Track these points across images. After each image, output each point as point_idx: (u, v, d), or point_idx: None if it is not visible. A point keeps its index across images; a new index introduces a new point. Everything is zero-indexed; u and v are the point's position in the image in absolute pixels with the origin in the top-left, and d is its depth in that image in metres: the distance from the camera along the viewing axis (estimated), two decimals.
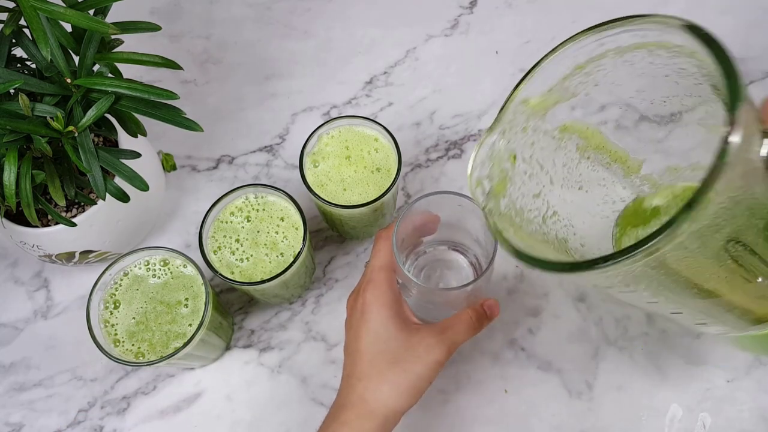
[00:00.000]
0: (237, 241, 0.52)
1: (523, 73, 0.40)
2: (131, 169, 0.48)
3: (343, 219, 0.56)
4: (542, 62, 0.39)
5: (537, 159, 0.42)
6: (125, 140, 0.55)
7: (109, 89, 0.44)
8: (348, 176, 0.54)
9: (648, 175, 0.46)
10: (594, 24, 0.40)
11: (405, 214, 0.47)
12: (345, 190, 0.54)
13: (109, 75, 0.46)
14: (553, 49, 0.38)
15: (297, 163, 0.66)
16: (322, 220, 0.63)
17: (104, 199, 0.48)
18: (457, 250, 0.56)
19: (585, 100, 0.41)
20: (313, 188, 0.53)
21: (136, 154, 0.49)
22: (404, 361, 0.44)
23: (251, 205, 0.53)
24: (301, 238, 0.51)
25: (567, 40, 0.38)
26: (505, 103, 0.40)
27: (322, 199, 0.52)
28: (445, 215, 0.51)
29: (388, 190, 0.52)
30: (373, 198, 0.52)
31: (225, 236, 0.52)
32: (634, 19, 0.35)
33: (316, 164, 0.55)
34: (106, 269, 0.50)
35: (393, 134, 0.54)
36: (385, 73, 0.71)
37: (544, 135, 0.41)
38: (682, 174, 0.45)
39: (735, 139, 0.28)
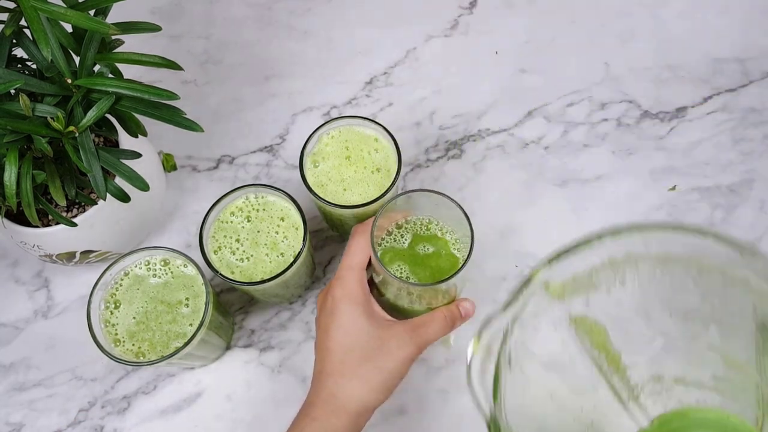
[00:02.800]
0: (237, 241, 0.52)
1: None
2: (132, 169, 0.48)
3: (343, 219, 0.56)
4: (576, 249, 0.34)
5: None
6: (126, 140, 0.55)
7: (110, 89, 0.44)
8: (348, 176, 0.55)
9: (634, 384, 0.39)
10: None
11: (383, 212, 0.48)
12: (345, 190, 0.54)
13: (110, 75, 0.46)
14: (589, 240, 0.34)
15: (297, 164, 0.66)
16: (322, 220, 0.63)
17: (105, 199, 0.48)
18: None
19: (605, 297, 0.36)
20: (313, 188, 0.53)
21: (136, 155, 0.49)
22: (375, 356, 0.44)
23: (251, 205, 0.53)
24: (302, 238, 0.52)
25: (609, 232, 0.33)
26: (525, 282, 0.35)
27: (322, 199, 0.52)
28: (425, 213, 0.52)
29: (388, 190, 0.52)
30: (373, 198, 0.53)
31: (225, 236, 0.52)
32: (705, 233, 0.31)
33: (316, 164, 0.55)
34: (107, 269, 0.50)
35: (393, 134, 0.54)
36: (385, 73, 0.71)
37: (549, 325, 0.37)
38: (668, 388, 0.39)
39: None
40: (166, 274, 0.51)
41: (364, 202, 0.53)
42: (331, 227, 0.62)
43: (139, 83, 0.45)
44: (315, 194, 0.52)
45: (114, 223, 0.55)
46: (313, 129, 0.55)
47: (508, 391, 0.35)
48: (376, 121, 0.54)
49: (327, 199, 0.53)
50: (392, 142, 0.54)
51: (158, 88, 0.45)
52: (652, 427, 0.37)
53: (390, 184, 0.53)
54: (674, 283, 0.35)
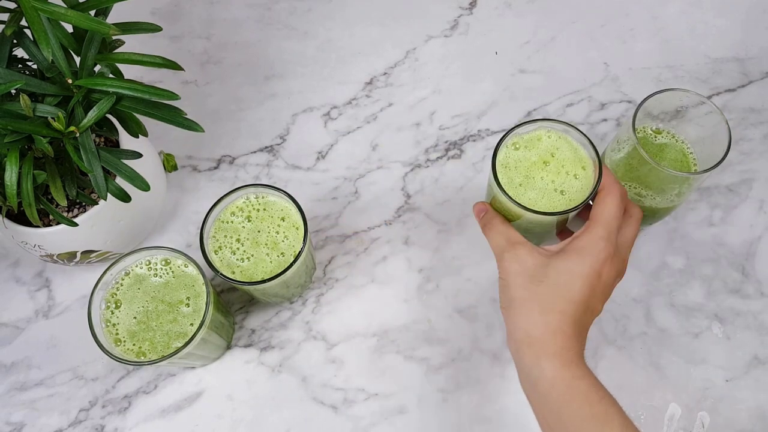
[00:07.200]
0: (238, 240, 0.52)
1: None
2: (132, 169, 0.49)
3: (531, 223, 0.52)
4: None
5: None
6: (126, 140, 0.55)
7: (111, 90, 0.44)
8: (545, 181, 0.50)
9: None
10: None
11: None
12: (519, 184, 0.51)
13: (110, 75, 0.46)
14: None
15: (297, 164, 0.66)
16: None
17: (105, 199, 0.48)
18: None
19: None
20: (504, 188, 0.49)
21: (137, 155, 0.50)
22: None
23: (252, 205, 0.53)
24: (302, 238, 0.52)
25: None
26: None
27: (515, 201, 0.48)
28: None
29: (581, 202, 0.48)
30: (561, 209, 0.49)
31: (226, 236, 0.52)
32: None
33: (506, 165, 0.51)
34: (108, 269, 0.50)
35: (594, 144, 0.50)
36: (385, 73, 0.71)
37: None
38: None
39: None
40: (167, 273, 0.52)
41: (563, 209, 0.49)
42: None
43: (140, 83, 0.45)
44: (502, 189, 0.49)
45: (115, 223, 0.56)
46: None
47: None
48: (584, 134, 0.51)
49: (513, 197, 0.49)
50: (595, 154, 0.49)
51: (159, 88, 0.45)
52: None
53: (590, 190, 0.49)
54: None
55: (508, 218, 0.51)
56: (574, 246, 0.45)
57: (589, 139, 0.50)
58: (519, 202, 0.48)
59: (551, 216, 0.48)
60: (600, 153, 0.52)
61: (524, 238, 0.48)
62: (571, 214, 0.49)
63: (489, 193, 0.55)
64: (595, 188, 0.48)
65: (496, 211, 0.51)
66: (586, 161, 0.51)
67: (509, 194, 0.48)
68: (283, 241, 0.52)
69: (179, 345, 0.49)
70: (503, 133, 0.67)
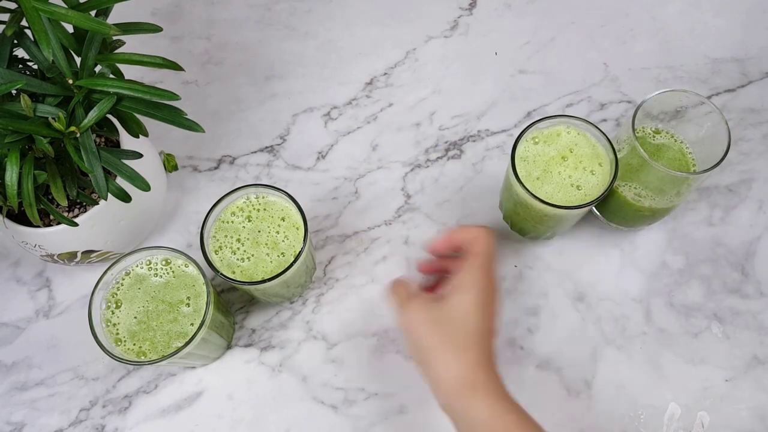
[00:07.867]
0: (238, 240, 0.52)
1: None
2: (133, 169, 0.49)
3: (546, 216, 0.54)
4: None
5: None
6: (127, 141, 0.55)
7: (111, 90, 0.44)
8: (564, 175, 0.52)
9: None
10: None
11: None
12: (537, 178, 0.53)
13: (111, 76, 0.46)
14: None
15: (297, 164, 0.66)
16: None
17: (106, 199, 0.48)
18: None
19: None
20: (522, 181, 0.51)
21: (137, 155, 0.50)
22: None
23: (252, 205, 0.53)
24: (302, 238, 0.52)
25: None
26: None
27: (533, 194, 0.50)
28: None
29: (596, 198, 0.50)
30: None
31: (226, 236, 0.52)
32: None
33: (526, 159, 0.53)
34: (108, 269, 0.50)
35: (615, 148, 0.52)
36: (385, 74, 0.71)
37: None
38: None
39: None
40: (168, 273, 0.52)
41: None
42: (506, 217, 0.60)
43: (140, 84, 0.45)
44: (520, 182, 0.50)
45: (115, 222, 0.56)
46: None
47: None
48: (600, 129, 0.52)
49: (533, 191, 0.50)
50: (610, 150, 0.52)
51: (159, 88, 0.45)
52: None
53: (608, 186, 0.51)
54: None
55: (523, 213, 0.53)
56: (459, 280, 0.46)
57: (606, 137, 0.51)
58: (536, 195, 0.50)
59: (566, 210, 0.49)
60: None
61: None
62: (585, 209, 0.51)
63: (505, 186, 0.56)
64: (610, 185, 0.50)
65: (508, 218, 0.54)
66: (603, 158, 0.52)
67: (527, 187, 0.49)
68: (283, 241, 0.53)
69: (179, 345, 0.49)
70: (502, 133, 0.68)
